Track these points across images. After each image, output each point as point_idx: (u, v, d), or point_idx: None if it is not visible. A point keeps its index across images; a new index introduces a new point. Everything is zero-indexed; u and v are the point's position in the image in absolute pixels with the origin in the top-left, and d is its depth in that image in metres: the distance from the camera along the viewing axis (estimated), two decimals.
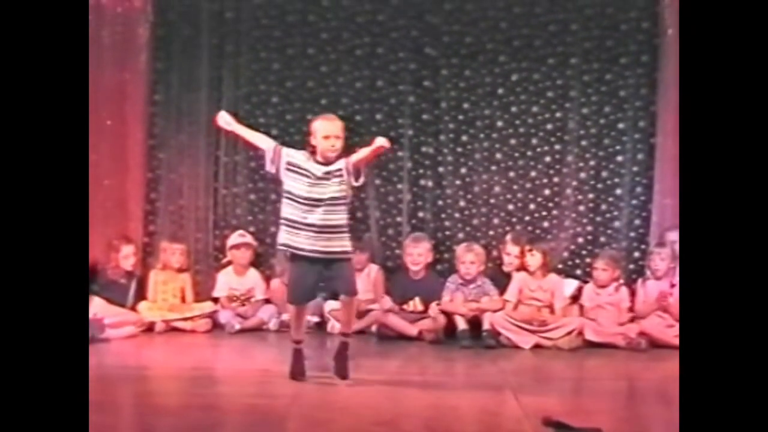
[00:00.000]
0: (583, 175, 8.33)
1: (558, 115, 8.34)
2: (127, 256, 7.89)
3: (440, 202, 8.40)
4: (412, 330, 7.70)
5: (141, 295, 7.98)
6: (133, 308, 7.82)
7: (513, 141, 8.36)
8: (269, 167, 5.64)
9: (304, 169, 5.51)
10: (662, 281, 7.75)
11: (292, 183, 5.50)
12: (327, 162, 5.52)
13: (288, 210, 5.50)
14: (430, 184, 8.37)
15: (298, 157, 5.57)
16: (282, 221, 5.54)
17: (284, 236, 5.51)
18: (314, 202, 5.45)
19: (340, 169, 5.51)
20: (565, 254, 8.27)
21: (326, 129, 5.53)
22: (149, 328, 7.73)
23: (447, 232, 8.37)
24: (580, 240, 8.32)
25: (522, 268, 7.86)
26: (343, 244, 5.51)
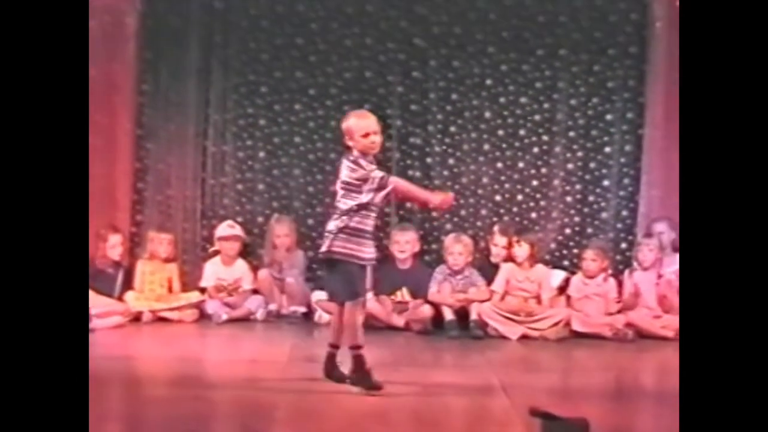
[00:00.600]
0: (570, 166, 8.35)
1: (546, 106, 8.35)
2: (114, 246, 7.87)
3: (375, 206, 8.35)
4: (400, 320, 7.72)
5: (128, 285, 7.96)
6: (120, 298, 7.80)
7: (501, 132, 8.36)
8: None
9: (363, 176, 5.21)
10: (649, 272, 7.78)
11: (362, 195, 5.18)
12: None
13: (364, 221, 5.18)
14: (417, 174, 8.36)
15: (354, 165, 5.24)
16: (358, 233, 5.17)
17: (366, 250, 5.19)
18: (375, 209, 5.25)
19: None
20: (553, 245, 8.29)
21: (365, 126, 5.21)
22: (136, 318, 7.70)
23: (434, 223, 8.38)
24: (568, 231, 8.34)
25: (509, 258, 7.88)
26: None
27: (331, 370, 5.30)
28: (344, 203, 5.18)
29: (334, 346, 5.35)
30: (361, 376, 5.10)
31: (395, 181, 5.32)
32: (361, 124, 5.24)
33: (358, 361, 5.14)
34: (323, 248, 5.24)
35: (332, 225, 5.20)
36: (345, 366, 5.33)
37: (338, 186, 5.27)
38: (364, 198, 5.15)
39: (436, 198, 5.38)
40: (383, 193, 5.19)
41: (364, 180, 5.14)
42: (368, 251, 5.23)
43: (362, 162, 5.18)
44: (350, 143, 5.24)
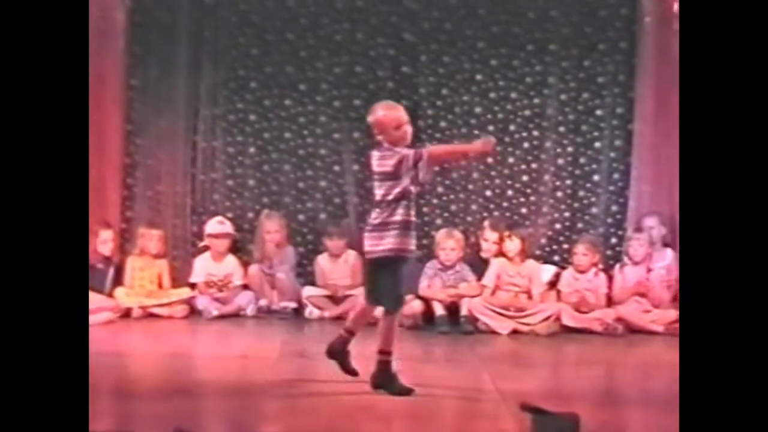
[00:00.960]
0: (560, 161, 8.35)
1: (536, 101, 8.35)
2: (105, 242, 7.85)
3: (418, 188, 8.37)
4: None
5: (118, 281, 7.94)
6: (110, 294, 7.79)
7: (491, 127, 8.34)
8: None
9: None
10: (640, 266, 7.80)
11: (401, 179, 5.03)
12: None
13: (408, 212, 5.03)
14: None
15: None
16: (405, 225, 5.02)
17: (408, 241, 5.04)
18: (413, 197, 5.10)
19: None
20: (543, 240, 8.30)
21: (396, 118, 5.04)
22: (126, 314, 7.69)
23: (425, 218, 8.36)
24: (558, 226, 8.34)
25: (500, 254, 7.88)
26: None
27: (340, 353, 5.12)
28: (390, 194, 4.98)
29: (350, 332, 5.16)
30: (388, 380, 4.98)
31: (428, 149, 5.13)
32: (392, 116, 5.08)
33: (385, 367, 5.01)
34: (381, 247, 4.97)
35: (378, 219, 4.99)
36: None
37: (374, 180, 5.09)
38: (405, 181, 4.97)
39: (476, 146, 5.19)
40: (421, 165, 4.98)
41: (401, 162, 4.95)
42: (413, 243, 5.08)
43: (395, 148, 5.01)
44: (381, 136, 5.07)
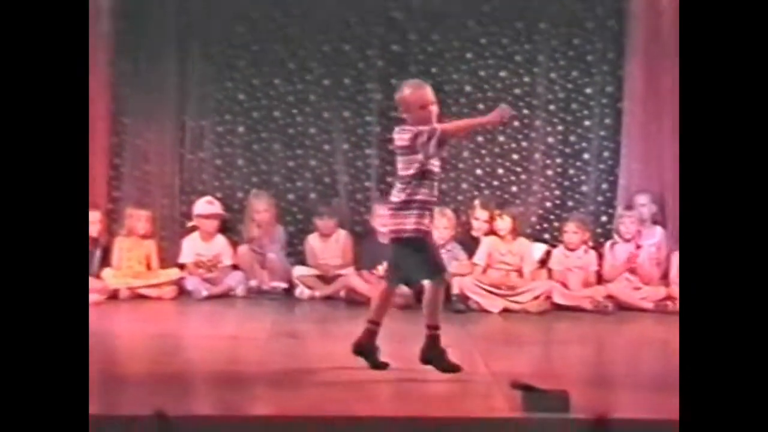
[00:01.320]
0: (551, 139, 8.34)
1: (526, 79, 8.32)
2: (92, 222, 7.78)
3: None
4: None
5: (106, 262, 7.90)
6: (97, 276, 7.74)
7: (481, 105, 8.31)
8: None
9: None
10: (630, 244, 7.81)
11: (418, 155, 4.96)
12: None
13: (431, 192, 5.00)
14: None
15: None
16: (424, 205, 4.98)
17: (424, 221, 4.98)
18: (435, 177, 5.07)
19: None
20: (533, 218, 8.30)
21: (420, 97, 4.99)
22: (114, 295, 7.65)
23: None
24: (548, 204, 8.34)
25: (491, 232, 7.88)
26: None
27: (368, 349, 5.02)
28: (409, 169, 4.94)
29: (375, 323, 5.06)
30: (437, 356, 4.94)
31: (442, 125, 5.02)
32: (417, 95, 5.02)
33: (435, 342, 4.98)
34: (406, 227, 4.94)
35: (402, 197, 4.95)
36: None
37: (397, 157, 5.05)
38: (420, 156, 4.90)
39: (492, 117, 5.17)
40: (434, 142, 4.88)
41: (416, 136, 4.89)
42: (428, 223, 5.02)
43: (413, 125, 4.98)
44: (406, 115, 5.02)
